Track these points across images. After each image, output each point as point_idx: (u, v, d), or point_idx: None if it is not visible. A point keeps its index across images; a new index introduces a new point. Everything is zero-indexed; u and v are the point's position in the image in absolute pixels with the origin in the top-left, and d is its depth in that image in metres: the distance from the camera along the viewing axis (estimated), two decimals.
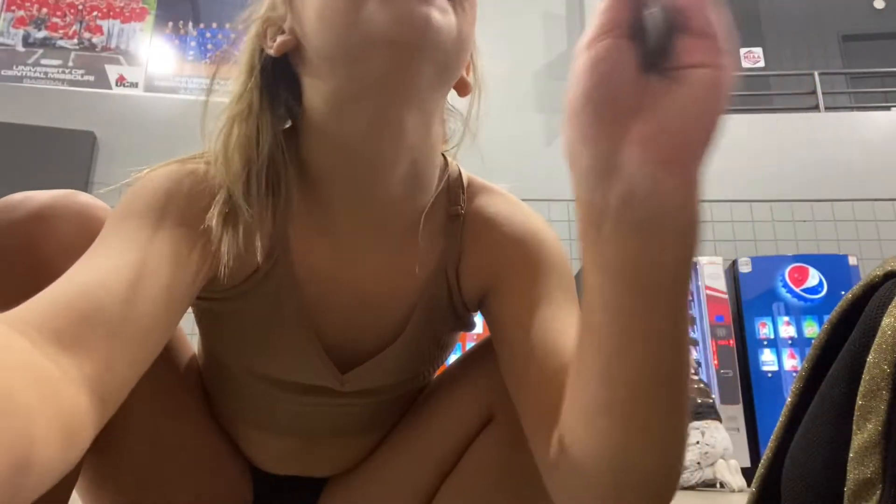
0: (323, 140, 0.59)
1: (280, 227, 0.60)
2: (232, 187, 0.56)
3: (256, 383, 0.67)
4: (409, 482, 0.71)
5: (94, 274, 0.46)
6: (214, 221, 0.54)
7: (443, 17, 0.51)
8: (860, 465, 0.38)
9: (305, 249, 0.62)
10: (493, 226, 0.66)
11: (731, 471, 3.78)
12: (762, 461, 0.47)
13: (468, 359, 0.74)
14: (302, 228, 0.61)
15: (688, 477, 3.80)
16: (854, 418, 0.39)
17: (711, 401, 3.98)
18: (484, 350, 0.69)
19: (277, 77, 0.61)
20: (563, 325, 0.59)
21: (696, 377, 4.10)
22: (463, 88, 0.65)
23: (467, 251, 0.66)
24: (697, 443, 3.79)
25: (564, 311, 0.61)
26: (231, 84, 0.61)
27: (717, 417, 3.91)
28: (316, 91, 0.58)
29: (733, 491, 3.72)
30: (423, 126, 0.59)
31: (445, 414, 0.71)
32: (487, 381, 0.67)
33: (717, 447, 3.77)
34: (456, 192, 0.67)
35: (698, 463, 3.77)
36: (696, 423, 3.86)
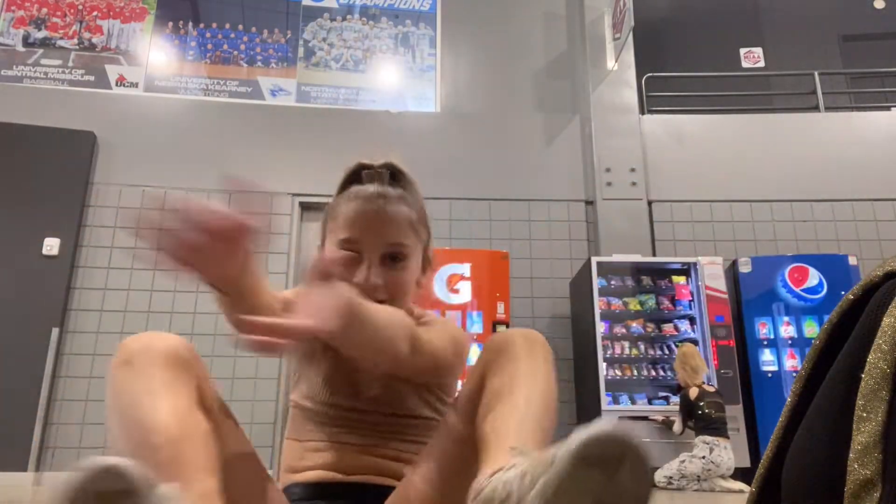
0: None
1: None
2: None
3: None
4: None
5: None
6: None
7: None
8: (860, 465, 0.38)
9: None
10: None
11: (728, 484, 3.81)
12: (762, 461, 0.47)
13: None
14: None
15: (685, 485, 3.82)
16: (854, 418, 0.39)
17: (724, 416, 3.98)
18: None
19: None
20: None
21: (711, 389, 4.11)
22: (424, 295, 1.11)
23: None
24: (704, 458, 3.79)
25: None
26: None
27: (727, 435, 3.92)
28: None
29: (732, 491, 3.73)
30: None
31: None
32: None
33: (721, 466, 3.79)
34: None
35: (698, 476, 3.78)
36: (707, 438, 3.86)
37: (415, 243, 1.04)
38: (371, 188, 1.02)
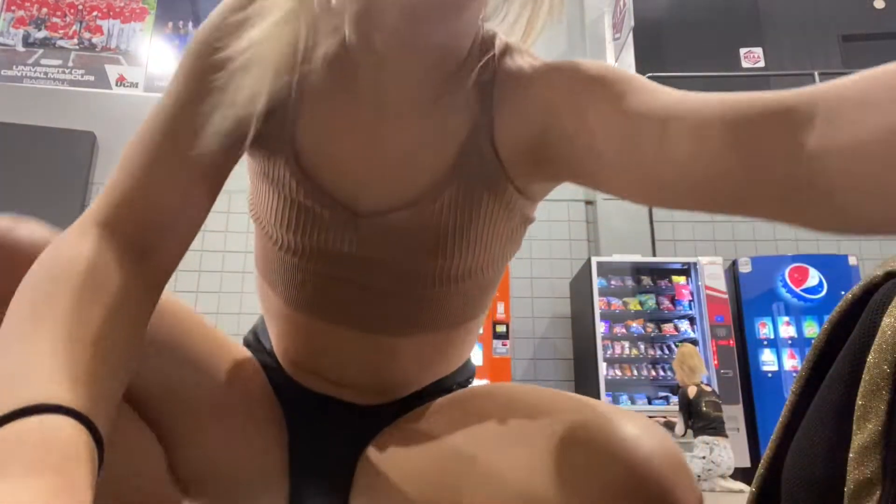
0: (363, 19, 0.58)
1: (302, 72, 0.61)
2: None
3: (286, 257, 0.66)
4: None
5: (149, 170, 0.55)
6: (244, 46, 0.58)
7: None
8: (860, 465, 0.38)
9: (318, 99, 0.62)
10: (520, 82, 0.61)
11: (728, 484, 3.82)
12: (762, 461, 0.47)
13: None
14: (321, 76, 0.61)
15: None
16: (854, 418, 0.39)
17: (722, 416, 3.99)
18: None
19: None
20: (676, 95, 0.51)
21: (708, 388, 4.11)
22: None
23: (499, 117, 0.61)
24: (704, 458, 3.81)
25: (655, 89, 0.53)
26: None
27: (726, 434, 3.93)
28: None
29: (732, 491, 3.73)
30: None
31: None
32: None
33: (722, 466, 3.80)
34: (486, 60, 0.62)
35: (698, 476, 3.79)
36: (706, 438, 3.88)
37: None
38: None
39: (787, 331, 4.73)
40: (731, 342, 4.61)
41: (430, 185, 0.61)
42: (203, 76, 0.58)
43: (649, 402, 4.56)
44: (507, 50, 0.64)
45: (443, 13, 0.55)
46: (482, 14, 0.61)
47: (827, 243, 5.22)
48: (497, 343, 4.56)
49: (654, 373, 4.74)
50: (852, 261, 4.77)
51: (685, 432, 4.08)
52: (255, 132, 0.59)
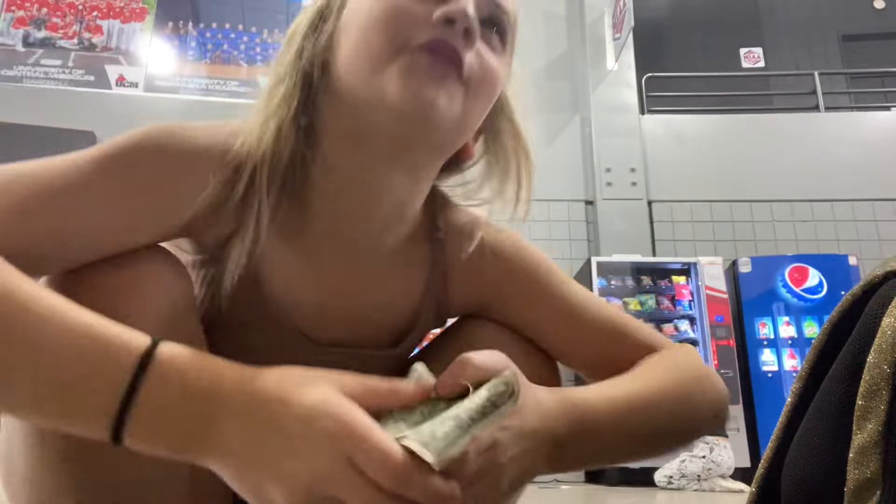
0: (321, 158, 0.61)
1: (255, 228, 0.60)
2: (259, 164, 0.58)
3: (230, 333, 0.67)
4: None
5: (64, 216, 0.54)
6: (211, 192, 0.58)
7: (448, 102, 0.56)
8: (860, 465, 0.38)
9: (278, 258, 0.63)
10: (469, 254, 0.69)
11: (728, 483, 3.82)
12: (762, 461, 0.47)
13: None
14: (278, 237, 0.62)
15: (685, 485, 3.83)
16: (854, 418, 0.39)
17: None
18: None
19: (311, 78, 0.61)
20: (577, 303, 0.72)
21: None
22: (465, 154, 0.67)
23: (451, 276, 0.70)
24: (704, 457, 3.80)
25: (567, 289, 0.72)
26: (274, 65, 0.62)
27: (726, 434, 3.93)
28: (330, 110, 0.60)
29: (732, 491, 3.73)
30: (411, 182, 0.62)
31: None
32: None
33: (722, 466, 3.80)
34: (434, 217, 0.70)
35: (698, 476, 3.79)
36: (707, 438, 3.88)
37: (512, 30, 0.64)
38: None
39: (787, 331, 4.73)
40: (731, 342, 4.60)
41: (393, 331, 0.70)
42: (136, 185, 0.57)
43: None
44: (456, 209, 0.72)
45: (428, 139, 0.57)
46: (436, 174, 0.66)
47: (827, 243, 5.23)
48: None
49: None
50: (852, 261, 4.77)
51: None
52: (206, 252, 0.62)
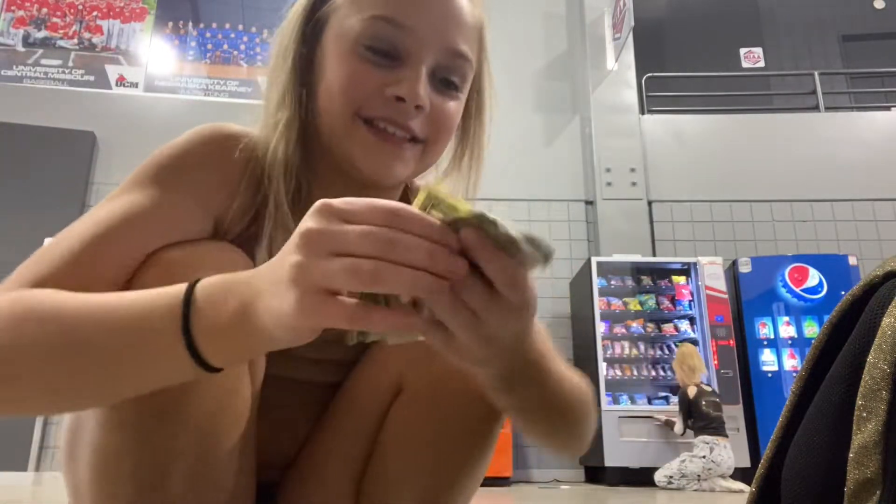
0: (317, 172, 0.68)
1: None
2: (273, 175, 0.64)
3: None
4: (341, 457, 0.70)
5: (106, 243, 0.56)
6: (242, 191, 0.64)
7: (404, 166, 0.64)
8: (860, 465, 0.38)
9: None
10: None
11: (728, 483, 3.82)
12: (762, 461, 0.47)
13: None
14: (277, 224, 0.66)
15: (685, 485, 3.83)
16: (854, 418, 0.39)
17: (721, 416, 4.00)
18: None
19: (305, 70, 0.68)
20: None
21: (708, 388, 4.12)
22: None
23: None
24: (704, 457, 3.81)
25: None
26: (271, 76, 0.69)
27: (726, 434, 3.93)
28: (318, 137, 0.67)
29: (732, 491, 3.73)
30: (391, 193, 0.72)
31: (362, 388, 0.72)
32: (396, 352, 0.69)
33: (722, 466, 3.80)
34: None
35: (698, 476, 3.79)
36: (706, 438, 3.88)
37: (471, 67, 0.68)
38: None
39: (787, 331, 4.73)
40: (731, 342, 4.61)
41: None
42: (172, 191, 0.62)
43: (649, 402, 4.56)
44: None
45: (393, 181, 0.66)
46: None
47: (827, 243, 5.23)
48: None
49: (653, 373, 4.74)
50: (852, 261, 4.77)
51: (684, 431, 4.08)
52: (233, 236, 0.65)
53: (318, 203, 0.41)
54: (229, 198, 0.63)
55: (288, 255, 0.41)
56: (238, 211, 0.63)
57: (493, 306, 0.43)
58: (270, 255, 0.61)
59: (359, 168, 0.63)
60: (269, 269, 0.44)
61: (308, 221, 0.41)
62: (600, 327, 4.64)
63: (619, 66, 5.67)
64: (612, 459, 4.26)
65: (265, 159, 0.64)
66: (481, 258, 0.42)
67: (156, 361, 0.46)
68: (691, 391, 4.07)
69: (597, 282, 4.71)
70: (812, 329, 4.71)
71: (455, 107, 0.67)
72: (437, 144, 0.67)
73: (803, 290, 4.76)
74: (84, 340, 0.46)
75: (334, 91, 0.62)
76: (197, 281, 0.46)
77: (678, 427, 4.11)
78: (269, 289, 0.42)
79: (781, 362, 4.66)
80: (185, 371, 0.45)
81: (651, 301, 4.87)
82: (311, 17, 0.68)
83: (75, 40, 5.66)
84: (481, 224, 0.41)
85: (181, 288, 0.46)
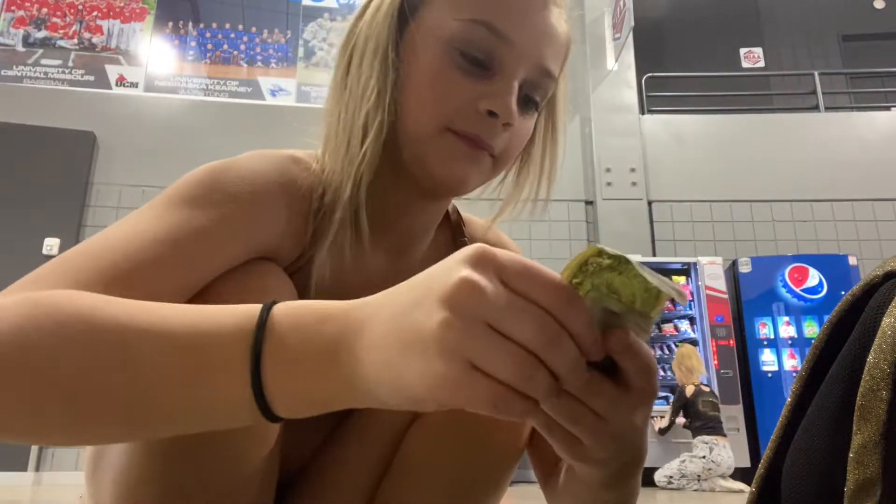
0: (389, 160, 0.64)
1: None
2: (345, 184, 0.62)
3: None
4: (353, 479, 0.67)
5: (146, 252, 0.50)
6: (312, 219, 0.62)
7: (478, 176, 0.63)
8: (860, 465, 0.38)
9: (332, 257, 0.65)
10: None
11: (728, 483, 3.82)
12: (762, 461, 0.47)
13: None
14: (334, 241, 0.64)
15: (685, 485, 3.83)
16: (854, 418, 0.39)
17: (719, 415, 4.00)
18: None
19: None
20: None
21: (706, 388, 4.12)
22: None
23: None
24: (704, 457, 3.81)
25: None
26: (362, 70, 0.63)
27: (724, 434, 3.94)
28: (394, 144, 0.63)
29: (732, 491, 3.73)
30: (440, 208, 0.71)
31: (380, 409, 0.69)
32: None
33: (722, 465, 3.80)
34: (458, 227, 0.78)
35: (698, 476, 3.80)
36: (706, 438, 3.88)
37: (554, 87, 0.66)
38: None
39: (787, 331, 4.73)
40: (731, 342, 4.61)
41: None
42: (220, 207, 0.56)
43: None
44: (470, 222, 0.79)
45: (456, 195, 0.66)
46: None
47: (827, 243, 5.23)
48: None
49: None
50: (852, 261, 4.77)
51: (670, 426, 4.10)
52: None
53: (477, 247, 0.34)
54: (288, 240, 0.60)
55: (428, 301, 0.33)
56: (290, 250, 0.61)
57: (623, 402, 0.38)
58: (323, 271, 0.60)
59: (431, 171, 0.60)
60: (388, 305, 0.35)
61: (464, 268, 0.33)
62: None
63: (619, 66, 5.67)
64: None
65: (336, 194, 0.62)
66: (625, 358, 0.38)
67: (205, 391, 0.37)
68: (689, 390, 4.08)
69: None
70: (812, 329, 4.71)
71: (530, 125, 0.65)
72: (506, 162, 0.65)
73: (803, 290, 4.76)
74: (121, 346, 0.38)
75: (426, 100, 0.59)
76: (274, 302, 0.39)
77: (664, 421, 4.12)
78: (385, 337, 0.34)
79: (781, 362, 4.66)
80: (238, 412, 0.37)
81: None
82: (401, 9, 0.61)
83: (75, 40, 5.66)
84: (649, 312, 0.36)
85: (254, 308, 0.38)
